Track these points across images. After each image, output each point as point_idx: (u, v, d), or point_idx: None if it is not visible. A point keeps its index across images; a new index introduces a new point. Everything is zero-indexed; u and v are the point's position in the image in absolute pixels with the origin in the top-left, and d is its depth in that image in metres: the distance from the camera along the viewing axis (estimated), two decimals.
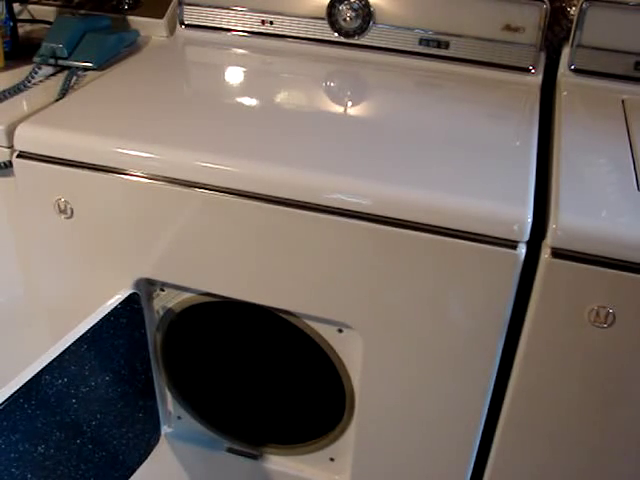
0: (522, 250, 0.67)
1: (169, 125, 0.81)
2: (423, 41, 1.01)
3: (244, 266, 0.78)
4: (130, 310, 0.83)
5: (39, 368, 0.70)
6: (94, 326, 0.76)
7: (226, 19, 1.08)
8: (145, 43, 1.10)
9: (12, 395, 0.67)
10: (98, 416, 0.81)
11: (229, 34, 1.09)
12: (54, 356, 0.71)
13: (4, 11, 1.00)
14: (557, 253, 0.66)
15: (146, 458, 0.94)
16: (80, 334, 0.75)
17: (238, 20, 1.08)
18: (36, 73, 0.95)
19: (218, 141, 0.77)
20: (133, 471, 0.91)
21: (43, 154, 0.80)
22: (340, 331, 0.81)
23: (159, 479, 1.06)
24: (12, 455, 0.69)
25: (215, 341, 0.96)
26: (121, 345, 0.82)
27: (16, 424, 0.68)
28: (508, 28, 0.97)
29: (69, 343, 0.73)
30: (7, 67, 1.00)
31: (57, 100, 0.89)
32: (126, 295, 0.82)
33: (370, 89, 0.97)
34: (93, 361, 0.77)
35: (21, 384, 0.68)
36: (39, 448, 0.72)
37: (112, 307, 0.80)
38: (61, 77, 0.96)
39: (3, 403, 0.66)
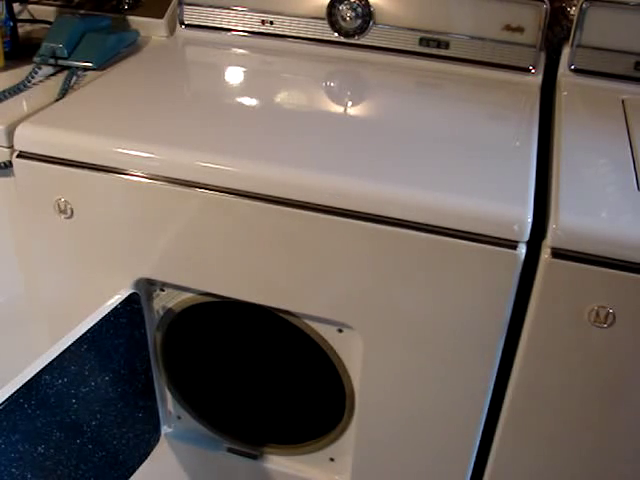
0: (522, 250, 0.67)
1: (169, 125, 0.81)
2: (423, 41, 1.01)
3: (244, 266, 0.78)
4: (130, 310, 0.83)
5: (39, 368, 0.70)
6: (94, 326, 0.76)
7: (226, 19, 1.08)
8: (145, 43, 1.10)
9: (12, 395, 0.67)
10: (98, 416, 0.81)
11: (229, 34, 1.09)
12: (54, 356, 0.71)
13: (4, 11, 1.00)
14: (557, 253, 0.66)
15: (146, 458, 0.94)
16: (80, 334, 0.75)
17: (238, 20, 1.08)
18: (36, 73, 0.95)
19: (218, 141, 0.77)
20: (133, 471, 0.91)
21: (43, 154, 0.80)
22: (340, 331, 0.81)
23: (159, 479, 1.06)
24: (12, 455, 0.69)
25: (215, 341, 0.96)
26: (121, 345, 0.82)
27: (16, 424, 0.68)
28: (508, 28, 0.97)
29: (69, 343, 0.73)
30: (7, 67, 1.00)
31: (57, 100, 0.89)
32: (126, 295, 0.82)
33: (370, 89, 0.97)
34: (93, 361, 0.77)
35: (21, 384, 0.68)
36: (39, 448, 0.72)
37: (112, 307, 0.80)
38: (61, 77, 0.96)
39: (3, 403, 0.66)
